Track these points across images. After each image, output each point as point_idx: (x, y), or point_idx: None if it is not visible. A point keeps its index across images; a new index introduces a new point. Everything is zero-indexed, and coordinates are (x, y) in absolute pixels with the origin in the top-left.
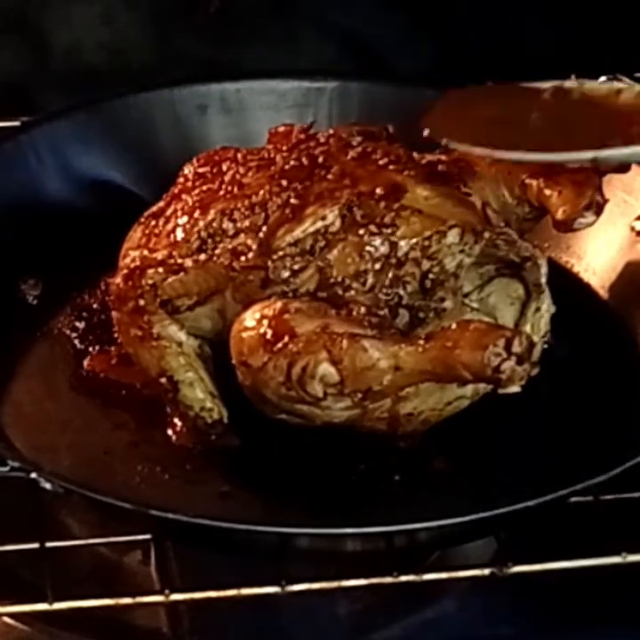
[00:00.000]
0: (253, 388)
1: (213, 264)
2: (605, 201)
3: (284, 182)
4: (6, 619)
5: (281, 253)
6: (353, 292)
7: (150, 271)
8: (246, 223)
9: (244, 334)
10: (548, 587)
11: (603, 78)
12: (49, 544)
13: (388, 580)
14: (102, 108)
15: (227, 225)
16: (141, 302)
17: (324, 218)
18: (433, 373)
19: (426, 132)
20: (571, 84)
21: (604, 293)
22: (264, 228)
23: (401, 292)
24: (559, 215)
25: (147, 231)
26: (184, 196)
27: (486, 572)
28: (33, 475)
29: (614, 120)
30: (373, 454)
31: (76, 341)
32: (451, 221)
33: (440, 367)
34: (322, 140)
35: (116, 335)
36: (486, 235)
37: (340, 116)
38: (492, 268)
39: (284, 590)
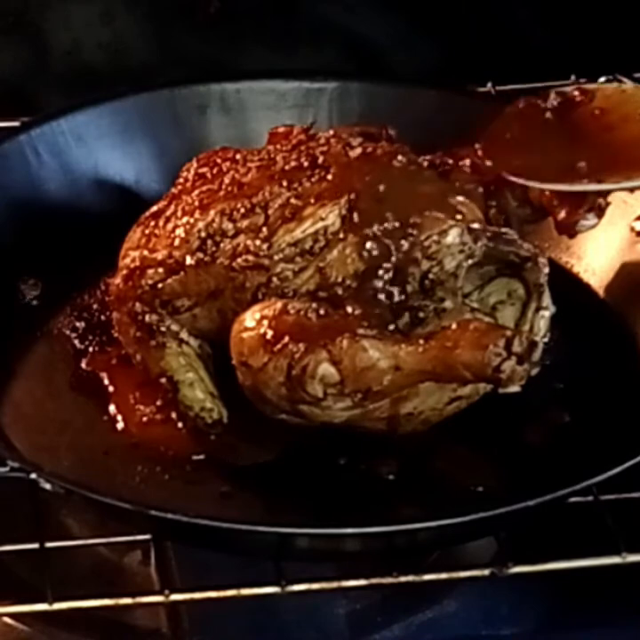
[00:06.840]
0: (253, 389)
1: (213, 264)
2: (607, 203)
3: (284, 182)
4: (6, 619)
5: (281, 254)
6: (353, 292)
7: (150, 271)
8: (246, 223)
9: (244, 335)
10: (548, 587)
11: (602, 79)
12: (49, 544)
13: (388, 580)
14: (102, 107)
15: (227, 225)
16: (141, 303)
17: (323, 218)
18: (433, 373)
19: (488, 163)
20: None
21: (603, 293)
22: (264, 229)
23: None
24: (561, 217)
25: (146, 231)
26: (184, 197)
27: (486, 572)
28: (33, 475)
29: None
30: (373, 454)
31: (76, 341)
32: (451, 221)
33: (440, 367)
34: (322, 140)
35: (115, 335)
36: (487, 235)
37: (341, 116)
38: (492, 268)
39: (284, 590)
